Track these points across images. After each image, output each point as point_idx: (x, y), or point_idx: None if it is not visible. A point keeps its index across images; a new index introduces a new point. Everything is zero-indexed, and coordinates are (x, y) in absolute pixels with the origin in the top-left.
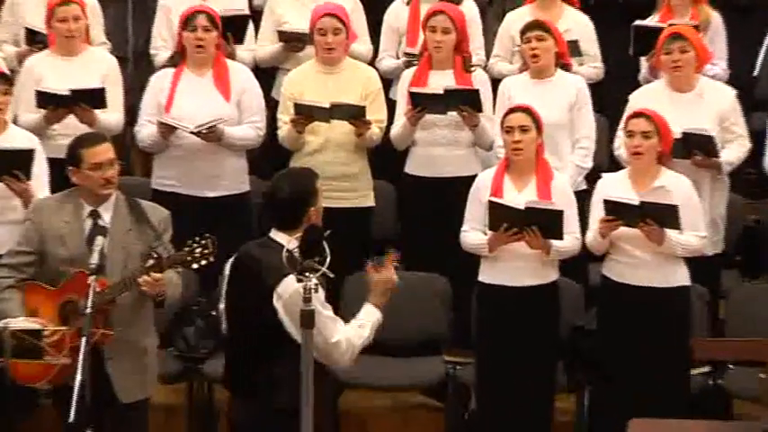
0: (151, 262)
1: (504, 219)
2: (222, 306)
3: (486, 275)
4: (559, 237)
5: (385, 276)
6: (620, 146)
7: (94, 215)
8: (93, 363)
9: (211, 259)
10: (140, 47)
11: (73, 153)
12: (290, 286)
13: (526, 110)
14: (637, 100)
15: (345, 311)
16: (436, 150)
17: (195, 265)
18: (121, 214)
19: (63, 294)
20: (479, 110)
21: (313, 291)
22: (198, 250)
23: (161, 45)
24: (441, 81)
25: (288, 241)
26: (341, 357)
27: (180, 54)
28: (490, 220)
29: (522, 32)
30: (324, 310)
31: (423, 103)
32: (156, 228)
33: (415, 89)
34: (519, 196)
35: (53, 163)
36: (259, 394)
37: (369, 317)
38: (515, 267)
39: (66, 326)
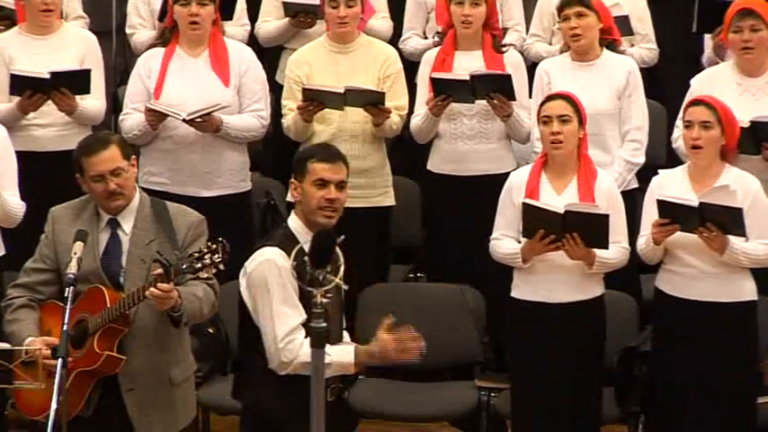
0: (158, 270)
1: (540, 224)
2: None
3: (520, 290)
4: (604, 246)
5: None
6: (679, 138)
7: (113, 225)
8: (107, 394)
9: (222, 267)
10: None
11: (75, 160)
12: (257, 259)
13: (566, 97)
14: (699, 85)
15: (362, 329)
16: (463, 144)
17: (204, 274)
18: (144, 223)
19: (77, 313)
20: (512, 97)
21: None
22: (207, 256)
23: (138, 23)
24: (468, 64)
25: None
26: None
27: (171, 30)
28: (524, 226)
29: (560, 9)
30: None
31: (447, 91)
32: (180, 240)
33: (437, 74)
34: (558, 199)
35: (28, 157)
36: (241, 393)
37: (342, 357)
38: (553, 281)
39: (78, 348)
